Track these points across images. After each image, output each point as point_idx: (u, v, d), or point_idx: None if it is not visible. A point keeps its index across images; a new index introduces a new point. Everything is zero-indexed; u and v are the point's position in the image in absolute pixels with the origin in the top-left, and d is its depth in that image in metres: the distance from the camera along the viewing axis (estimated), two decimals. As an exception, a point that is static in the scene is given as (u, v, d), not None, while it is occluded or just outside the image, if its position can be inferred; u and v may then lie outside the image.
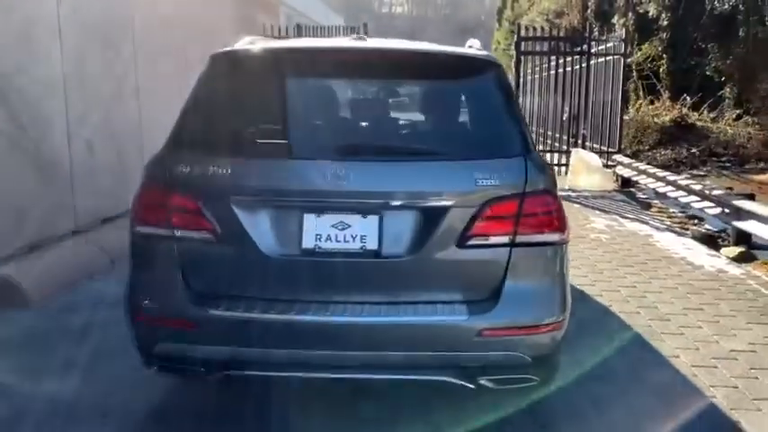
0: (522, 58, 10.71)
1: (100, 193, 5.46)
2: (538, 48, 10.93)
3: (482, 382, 2.25)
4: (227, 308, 2.19)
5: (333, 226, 2.19)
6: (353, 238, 2.19)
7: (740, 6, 14.11)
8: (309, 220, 2.20)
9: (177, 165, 2.25)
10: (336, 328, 2.16)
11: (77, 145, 5.10)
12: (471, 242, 2.19)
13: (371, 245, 2.18)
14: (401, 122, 2.47)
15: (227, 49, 2.47)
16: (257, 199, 2.21)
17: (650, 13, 14.62)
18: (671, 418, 2.69)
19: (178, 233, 2.23)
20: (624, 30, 11.82)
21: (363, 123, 2.48)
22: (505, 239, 2.19)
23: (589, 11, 18.59)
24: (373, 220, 2.19)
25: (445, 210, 2.18)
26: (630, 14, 15.67)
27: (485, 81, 2.38)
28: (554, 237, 2.23)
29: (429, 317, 2.17)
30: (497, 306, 2.18)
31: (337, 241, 2.19)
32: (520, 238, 2.19)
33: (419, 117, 2.49)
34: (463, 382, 2.25)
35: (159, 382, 2.91)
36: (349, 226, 2.19)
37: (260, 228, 2.19)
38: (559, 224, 2.24)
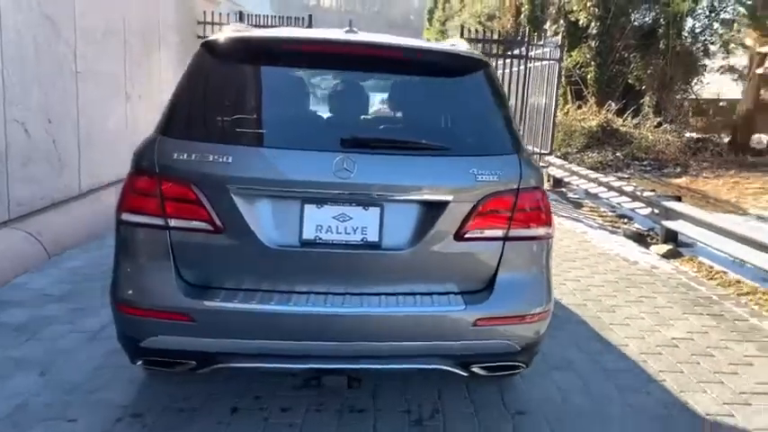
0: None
1: (35, 179, 5.12)
2: (479, 49, 11.23)
3: (474, 369, 2.33)
4: (223, 299, 2.14)
5: (334, 218, 2.20)
6: (354, 230, 2.20)
7: (661, 20, 15.12)
8: (310, 211, 2.19)
9: (172, 152, 2.17)
10: (335, 319, 2.17)
11: (13, 128, 4.75)
12: (468, 235, 2.26)
13: (372, 237, 2.21)
14: (400, 117, 2.48)
15: (221, 35, 2.39)
16: (258, 188, 2.17)
17: (581, 22, 15.36)
18: (629, 401, 2.89)
19: (172, 222, 2.16)
20: (560, 36, 12.35)
21: (363, 116, 2.48)
22: (500, 233, 2.29)
23: (522, 16, 19.25)
24: (374, 212, 2.21)
25: (445, 203, 2.24)
26: (562, 21, 16.40)
27: (480, 80, 2.44)
28: (543, 231, 2.35)
29: (427, 308, 2.23)
30: (491, 297, 2.27)
31: (338, 233, 2.20)
32: (513, 232, 2.29)
33: (418, 112, 2.50)
34: (457, 370, 2.32)
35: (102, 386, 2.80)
36: (350, 218, 2.20)
37: (259, 218, 2.16)
38: (548, 219, 2.36)
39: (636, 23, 15.63)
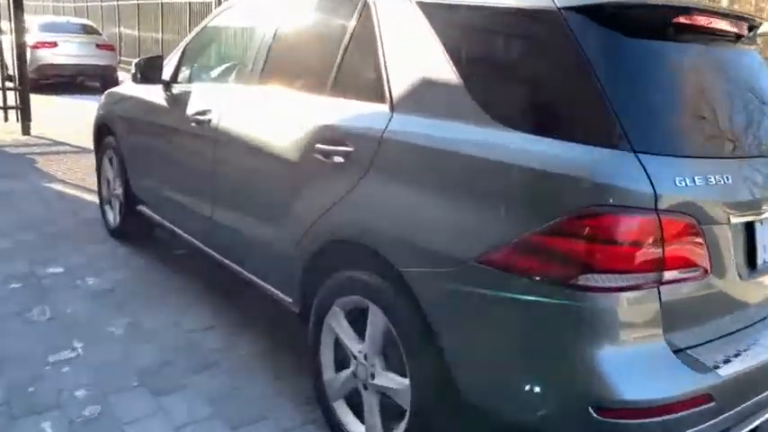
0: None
1: None
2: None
3: None
4: (734, 360, 1.59)
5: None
6: None
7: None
8: (759, 230, 1.73)
9: (672, 176, 1.47)
10: None
11: None
12: None
13: None
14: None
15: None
16: (742, 212, 1.66)
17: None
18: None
19: (667, 275, 1.48)
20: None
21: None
22: None
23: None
24: None
25: None
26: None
27: None
28: None
29: None
30: None
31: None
32: None
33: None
34: None
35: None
36: None
37: (732, 247, 1.65)
38: None
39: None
